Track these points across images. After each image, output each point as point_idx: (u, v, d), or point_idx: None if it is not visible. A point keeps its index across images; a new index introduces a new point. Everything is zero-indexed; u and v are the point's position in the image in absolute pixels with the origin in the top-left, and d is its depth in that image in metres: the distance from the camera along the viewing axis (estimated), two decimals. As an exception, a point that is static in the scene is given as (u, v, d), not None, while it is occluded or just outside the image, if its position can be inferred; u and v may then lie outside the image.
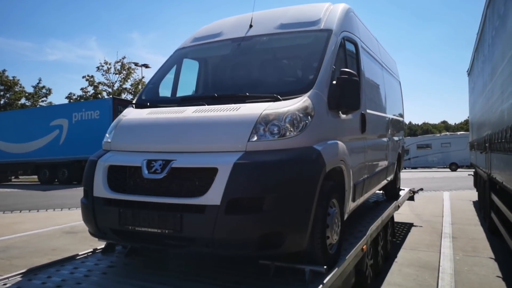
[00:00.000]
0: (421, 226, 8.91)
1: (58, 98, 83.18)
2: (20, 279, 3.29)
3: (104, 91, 39.56)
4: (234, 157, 2.86)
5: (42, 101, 42.16)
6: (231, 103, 3.30)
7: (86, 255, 3.94)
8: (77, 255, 3.91)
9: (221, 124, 3.11)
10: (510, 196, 5.14)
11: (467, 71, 13.53)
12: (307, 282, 2.95)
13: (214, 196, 2.77)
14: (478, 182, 10.91)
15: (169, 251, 3.73)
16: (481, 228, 8.56)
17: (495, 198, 6.72)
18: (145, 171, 3.03)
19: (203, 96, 4.11)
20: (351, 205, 4.02)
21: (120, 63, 39.19)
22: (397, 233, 7.84)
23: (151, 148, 3.25)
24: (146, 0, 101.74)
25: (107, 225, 3.25)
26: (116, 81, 39.79)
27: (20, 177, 29.39)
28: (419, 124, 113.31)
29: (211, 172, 2.83)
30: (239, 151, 2.93)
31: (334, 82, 3.52)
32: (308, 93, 3.27)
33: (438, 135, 45.18)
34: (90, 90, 39.54)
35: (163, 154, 3.11)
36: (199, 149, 3.07)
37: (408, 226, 8.87)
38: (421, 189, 10.09)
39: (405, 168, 35.22)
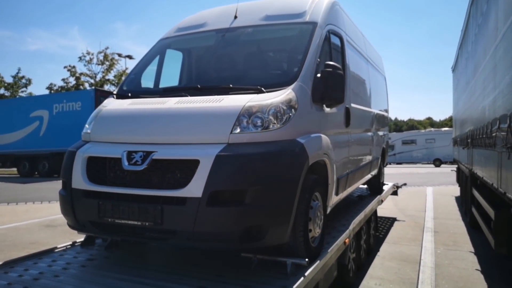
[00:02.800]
0: (404, 221, 9.03)
1: (38, 89, 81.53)
2: (-5, 272, 3.21)
3: (86, 82, 38.69)
4: (216, 149, 2.83)
5: (22, 91, 40.98)
6: (214, 95, 3.26)
7: (65, 248, 3.87)
8: (56, 248, 3.84)
9: (204, 116, 3.07)
10: (490, 191, 5.23)
11: (452, 68, 13.70)
12: (289, 275, 2.94)
13: (195, 188, 2.73)
14: (461, 178, 11.10)
15: (150, 244, 3.68)
16: (462, 223, 8.71)
17: (476, 193, 6.83)
18: (125, 163, 2.98)
19: (186, 87, 4.05)
20: (334, 199, 4.03)
21: (103, 54, 38.34)
22: (380, 227, 7.92)
23: (132, 140, 3.18)
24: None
25: (86, 217, 3.19)
26: (98, 72, 38.94)
27: (-2, 169, 28.77)
28: (405, 120, 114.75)
29: (193, 164, 2.79)
30: (222, 143, 2.90)
31: (319, 75, 3.50)
32: (292, 86, 3.25)
33: (423, 131, 45.86)
34: (72, 81, 38.57)
35: (144, 145, 3.06)
36: (181, 140, 3.03)
37: (391, 221, 8.97)
38: (405, 184, 10.21)
39: (389, 164, 35.65)
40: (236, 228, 2.76)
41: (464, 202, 9.56)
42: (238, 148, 2.86)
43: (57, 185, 3.44)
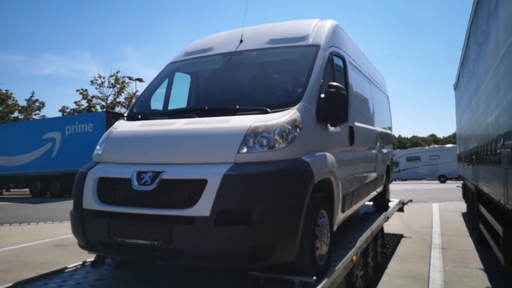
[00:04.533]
0: (411, 237, 8.97)
1: (51, 111, 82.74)
2: (7, 292, 3.27)
3: (97, 104, 39.44)
4: (224, 169, 2.90)
5: (35, 114, 41.80)
6: (221, 116, 3.35)
7: (75, 268, 3.91)
8: (66, 268, 3.88)
9: (211, 136, 3.15)
10: (497, 207, 5.23)
11: (454, 86, 13.79)
12: (296, 293, 2.97)
13: (203, 207, 2.80)
14: (467, 194, 11.05)
15: (159, 263, 3.73)
16: (470, 239, 8.64)
17: (483, 210, 6.81)
18: (135, 183, 3.05)
19: (193, 108, 4.16)
20: (340, 216, 4.07)
21: (114, 77, 39.20)
22: (387, 244, 7.89)
23: (141, 160, 3.27)
24: (140, 15, 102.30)
25: (96, 237, 3.25)
26: (110, 95, 39.73)
27: (11, 190, 28.96)
28: (409, 137, 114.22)
29: (201, 184, 2.86)
30: (229, 163, 2.97)
31: (322, 95, 3.60)
32: (297, 106, 3.34)
33: (427, 147, 45.68)
34: (84, 103, 39.37)
35: (153, 166, 3.14)
36: (189, 160, 3.11)
37: (398, 237, 8.92)
38: (411, 201, 10.18)
39: (394, 180, 35.47)
40: (243, 247, 2.80)
41: (471, 219, 9.49)
42: (244, 168, 2.93)
43: (68, 205, 3.52)
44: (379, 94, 7.15)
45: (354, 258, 4.10)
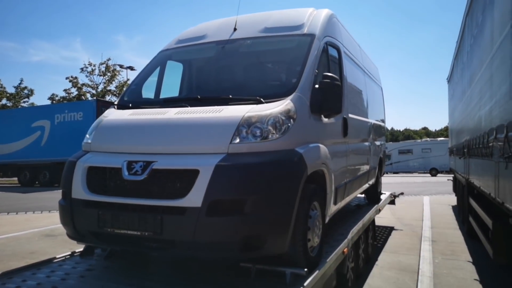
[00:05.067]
0: (402, 230, 9.05)
1: (40, 99, 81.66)
2: (-6, 282, 3.21)
3: (88, 92, 38.88)
4: (216, 159, 2.86)
5: (24, 102, 41.10)
6: (214, 105, 3.30)
7: (63, 258, 3.86)
8: (55, 258, 3.83)
9: (203, 126, 3.10)
10: (488, 200, 5.27)
11: (447, 79, 13.84)
12: (288, 285, 2.95)
13: (195, 198, 2.76)
14: (457, 187, 11.15)
15: (150, 254, 3.69)
16: (459, 232, 8.74)
17: (473, 203, 6.87)
18: (125, 173, 3.00)
19: (186, 97, 4.10)
20: (332, 208, 4.06)
21: (104, 65, 38.65)
22: (378, 236, 7.93)
23: (132, 149, 3.21)
24: (133, 3, 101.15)
25: (85, 227, 3.19)
26: (100, 83, 39.20)
27: (-1, 179, 28.68)
28: (401, 130, 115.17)
29: (193, 174, 2.82)
30: (221, 153, 2.93)
31: (317, 86, 3.56)
32: (291, 96, 3.30)
33: (419, 140, 46.05)
34: (74, 91, 38.74)
35: (144, 155, 3.08)
36: (181, 150, 3.06)
37: (389, 230, 8.99)
38: (402, 193, 10.25)
39: (386, 173, 35.74)
40: (235, 238, 2.78)
41: (461, 212, 9.59)
42: (237, 158, 2.89)
43: (58, 194, 3.46)
44: (373, 86, 7.13)
45: (345, 250, 4.10)
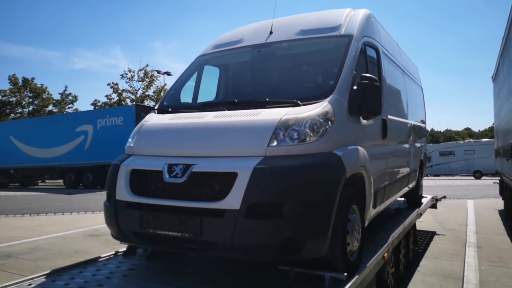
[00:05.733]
0: (444, 235, 8.70)
1: (83, 105, 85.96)
2: (44, 279, 3.38)
3: (127, 98, 40.50)
4: (254, 162, 2.87)
5: (69, 107, 43.51)
6: (251, 109, 3.32)
7: (108, 257, 4.01)
8: (100, 257, 3.98)
9: (241, 129, 3.13)
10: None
11: (492, 77, 13.21)
12: (327, 289, 2.92)
13: (233, 200, 2.78)
14: (504, 190, 10.59)
15: (189, 255, 3.76)
16: (507, 238, 8.29)
17: (522, 207, 6.51)
18: (166, 175, 3.08)
19: (223, 101, 4.15)
20: (372, 212, 3.97)
21: (143, 71, 40.18)
22: (419, 241, 7.68)
23: (172, 153, 3.29)
24: (169, 11, 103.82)
25: (128, 228, 3.30)
26: (139, 88, 40.74)
27: (46, 181, 30.26)
28: (442, 131, 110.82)
29: (231, 177, 2.85)
30: (259, 156, 2.94)
31: (355, 87, 3.50)
32: (328, 98, 3.26)
33: (462, 142, 44.14)
34: (114, 97, 40.58)
35: (183, 158, 3.15)
36: (219, 153, 3.10)
37: (430, 235, 8.67)
38: (444, 197, 9.85)
39: (427, 176, 34.51)
40: (273, 241, 2.78)
41: (509, 216, 9.10)
42: (275, 161, 2.89)
43: (100, 196, 3.61)
44: (413, 86, 6.92)
45: (385, 254, 4.00)
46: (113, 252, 4.12)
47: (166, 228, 3.04)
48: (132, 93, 40.63)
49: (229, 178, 2.86)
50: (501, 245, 7.61)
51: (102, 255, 4.03)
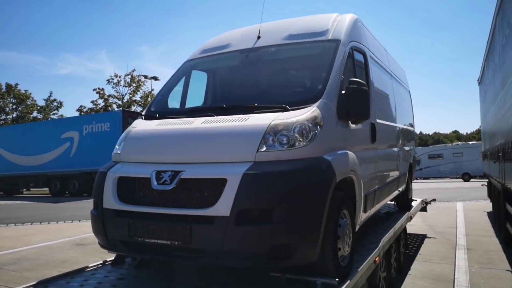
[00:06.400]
0: (435, 238, 8.74)
1: (69, 111, 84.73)
2: (30, 291, 3.29)
3: (114, 103, 40.12)
4: (243, 168, 2.85)
5: (54, 114, 42.86)
6: (240, 114, 3.30)
7: (96, 267, 3.93)
8: (87, 267, 3.89)
9: (230, 135, 3.10)
10: (526, 206, 5.03)
11: (478, 80, 13.42)
12: (318, 295, 2.89)
13: (223, 207, 2.75)
14: (492, 192, 10.71)
15: (179, 263, 3.70)
16: (496, 240, 8.37)
17: (510, 209, 6.57)
18: (154, 183, 3.03)
19: (211, 107, 4.12)
20: (362, 216, 3.96)
21: (130, 76, 39.82)
22: (410, 245, 7.70)
23: (160, 159, 3.25)
24: (155, 14, 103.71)
25: (117, 236, 3.24)
26: (126, 94, 40.38)
27: (31, 189, 29.68)
28: (430, 134, 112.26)
29: (220, 183, 2.82)
30: (248, 162, 2.92)
31: (343, 91, 3.50)
32: (317, 103, 3.26)
33: (450, 145, 44.70)
34: (101, 102, 40.12)
35: (172, 165, 3.11)
36: (208, 159, 3.07)
37: (421, 238, 8.71)
38: (434, 200, 9.92)
39: (416, 179, 34.83)
40: (264, 247, 2.75)
41: (498, 218, 9.19)
42: (264, 166, 2.87)
43: (87, 204, 3.56)
44: (401, 90, 6.98)
45: (377, 259, 3.99)
46: (101, 262, 4.04)
47: (155, 236, 2.99)
48: (118, 99, 40.27)
49: (218, 184, 2.83)
50: (490, 247, 7.68)
51: (90, 265, 3.94)
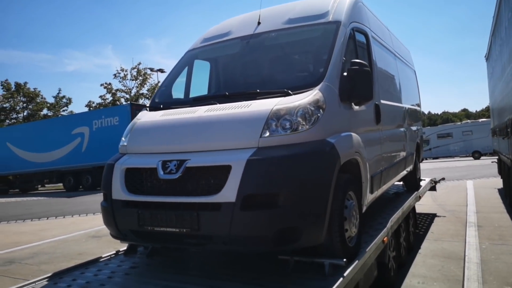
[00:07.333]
0: (445, 216, 8.74)
1: (78, 107, 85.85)
2: (46, 282, 3.39)
3: (122, 97, 40.29)
4: (247, 154, 2.87)
5: (63, 110, 43.25)
6: (242, 101, 3.31)
7: (109, 257, 4.02)
8: (101, 257, 3.99)
9: (233, 122, 3.12)
10: (535, 181, 5.00)
11: (485, 57, 13.19)
12: (327, 276, 2.94)
13: (229, 193, 2.79)
14: (502, 169, 10.63)
15: (189, 249, 3.77)
16: (507, 216, 8.34)
17: (520, 184, 6.54)
18: (160, 172, 3.08)
19: (214, 95, 4.14)
20: (369, 197, 3.98)
21: (136, 69, 39.86)
22: (420, 224, 7.72)
23: (166, 149, 3.29)
24: (158, 7, 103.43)
25: (127, 226, 3.31)
26: (133, 87, 40.47)
27: (46, 185, 30.17)
28: (439, 113, 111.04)
29: (225, 170, 2.85)
30: (252, 148, 2.94)
31: (345, 73, 3.49)
32: (319, 86, 3.26)
33: (459, 123, 44.15)
34: (109, 97, 40.30)
35: (177, 154, 3.15)
36: (213, 147, 3.10)
37: (431, 217, 8.71)
38: (443, 179, 9.89)
39: (426, 159, 34.60)
40: (270, 231, 2.79)
41: (508, 194, 9.14)
42: (268, 152, 2.89)
43: (101, 197, 3.60)
44: (405, 70, 6.90)
45: (385, 239, 4.02)
46: (114, 252, 4.13)
47: (163, 225, 3.05)
48: (126, 92, 40.40)
49: (223, 171, 2.86)
50: (501, 223, 7.67)
51: (103, 255, 4.04)
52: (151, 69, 40.06)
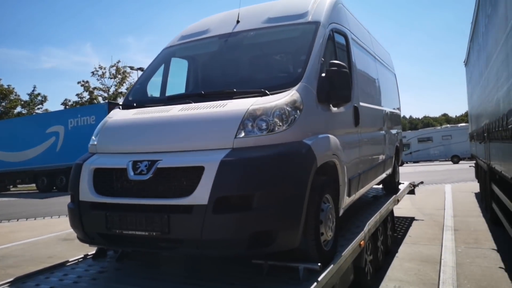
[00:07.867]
0: (423, 220, 8.82)
1: (54, 105, 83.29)
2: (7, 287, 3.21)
3: (100, 96, 39.40)
4: (221, 155, 2.78)
5: (38, 108, 41.92)
6: (218, 100, 3.22)
7: (76, 261, 3.85)
8: (68, 261, 3.82)
9: (207, 122, 3.03)
10: (510, 185, 5.05)
11: (464, 62, 13.44)
12: (301, 280, 2.86)
13: (201, 195, 2.69)
14: (479, 173, 10.81)
15: (159, 253, 3.64)
16: (483, 219, 8.47)
17: (495, 188, 6.63)
18: (130, 173, 2.95)
19: (190, 94, 4.03)
20: (346, 200, 3.93)
21: (115, 67, 39.07)
22: (398, 228, 7.74)
23: (137, 149, 3.16)
24: (140, 5, 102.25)
25: (94, 229, 3.17)
26: (111, 86, 39.65)
27: (18, 186, 29.25)
28: (420, 117, 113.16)
29: (198, 171, 2.75)
30: (227, 148, 2.85)
31: (323, 74, 3.43)
32: (296, 87, 3.19)
33: (439, 127, 45.03)
34: (86, 95, 39.30)
35: (148, 154, 3.04)
36: (186, 147, 2.99)
37: (409, 220, 8.78)
38: (422, 182, 9.99)
39: (406, 163, 35.12)
40: (243, 234, 2.70)
41: (484, 198, 9.29)
42: (243, 153, 2.80)
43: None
44: (385, 73, 6.92)
45: (362, 242, 3.98)
46: (82, 256, 3.96)
47: (133, 228, 2.92)
48: (104, 91, 39.49)
49: (196, 173, 2.76)
50: (476, 227, 7.77)
51: (70, 259, 3.86)
52: (131, 67, 39.26)
